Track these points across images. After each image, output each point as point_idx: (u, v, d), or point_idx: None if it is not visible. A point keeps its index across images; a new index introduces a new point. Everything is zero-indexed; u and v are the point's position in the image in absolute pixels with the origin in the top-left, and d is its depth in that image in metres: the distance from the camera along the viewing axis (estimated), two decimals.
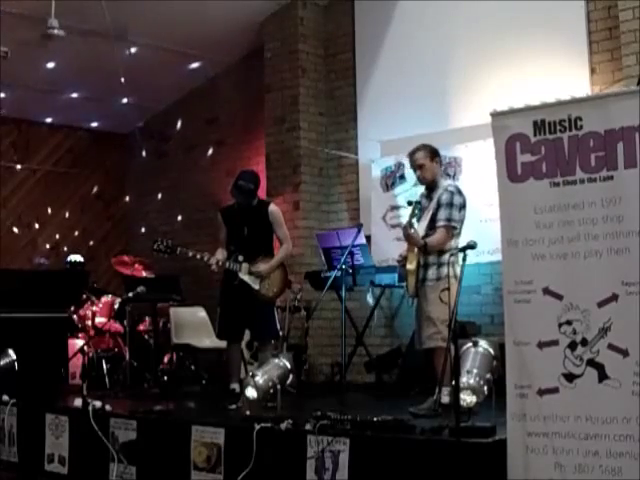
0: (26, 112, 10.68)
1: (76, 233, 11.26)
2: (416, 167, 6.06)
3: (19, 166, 10.85)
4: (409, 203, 5.98)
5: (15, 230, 10.81)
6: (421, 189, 6.25)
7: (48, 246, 10.99)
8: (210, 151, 10.58)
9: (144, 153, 10.94)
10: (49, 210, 11.11)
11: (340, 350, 7.02)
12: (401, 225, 6.47)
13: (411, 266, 5.81)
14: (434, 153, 6.06)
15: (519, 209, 4.19)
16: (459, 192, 5.96)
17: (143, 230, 11.07)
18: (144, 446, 5.61)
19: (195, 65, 10.23)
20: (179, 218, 10.80)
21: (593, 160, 3.96)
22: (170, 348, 8.44)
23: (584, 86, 7.33)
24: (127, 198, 11.49)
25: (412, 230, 5.79)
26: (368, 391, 7.75)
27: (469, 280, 6.32)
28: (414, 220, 5.85)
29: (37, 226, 11.02)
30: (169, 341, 8.42)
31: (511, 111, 4.29)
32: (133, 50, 9.38)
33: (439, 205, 5.89)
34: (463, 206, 5.95)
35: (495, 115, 4.30)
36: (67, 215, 11.27)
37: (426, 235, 5.84)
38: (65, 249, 10.84)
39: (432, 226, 5.89)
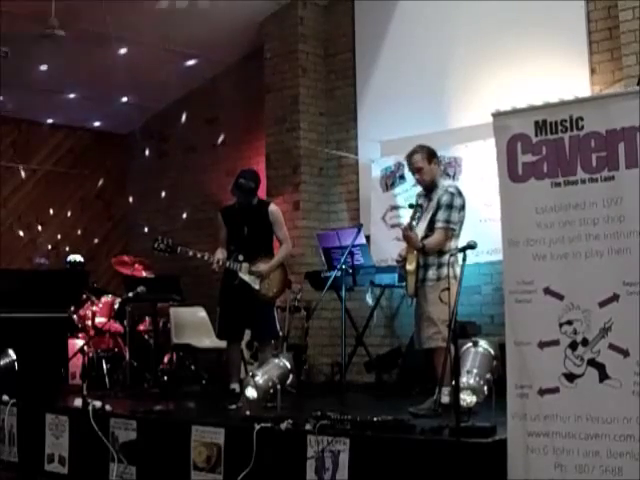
0: (26, 112, 10.67)
1: (76, 233, 11.25)
2: (415, 170, 6.03)
3: (19, 166, 10.84)
4: (410, 206, 5.97)
5: (15, 230, 10.81)
6: (420, 189, 6.24)
7: (50, 246, 10.99)
8: (212, 148, 10.57)
9: (145, 153, 10.94)
10: (49, 210, 11.10)
11: (340, 350, 7.02)
12: (401, 226, 6.47)
13: (411, 267, 5.81)
14: (432, 155, 6.02)
15: (520, 209, 4.19)
16: (459, 194, 5.94)
17: (143, 230, 11.07)
18: (144, 446, 5.60)
19: (195, 65, 10.22)
20: (179, 218, 10.79)
21: (594, 160, 3.96)
22: (170, 348, 8.44)
23: (584, 86, 7.33)
24: (128, 198, 11.48)
25: (412, 232, 5.78)
26: (368, 391, 7.74)
27: (469, 280, 6.32)
28: (414, 223, 5.85)
29: (37, 226, 11.01)
30: (169, 341, 8.42)
31: (513, 111, 4.28)
32: (133, 50, 9.37)
33: (439, 206, 5.87)
34: (462, 207, 5.93)
35: (497, 115, 4.30)
36: (67, 215, 11.27)
37: (425, 236, 5.84)
38: (66, 249, 10.83)
39: (431, 227, 5.87)
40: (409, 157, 6.07)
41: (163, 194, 11.00)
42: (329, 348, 8.85)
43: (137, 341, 8.71)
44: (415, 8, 8.75)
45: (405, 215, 7.30)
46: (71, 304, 8.37)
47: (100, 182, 11.44)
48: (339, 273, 6.96)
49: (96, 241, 11.40)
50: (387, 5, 8.99)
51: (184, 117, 10.57)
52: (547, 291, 4.07)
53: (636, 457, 3.77)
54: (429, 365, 5.84)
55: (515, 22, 7.90)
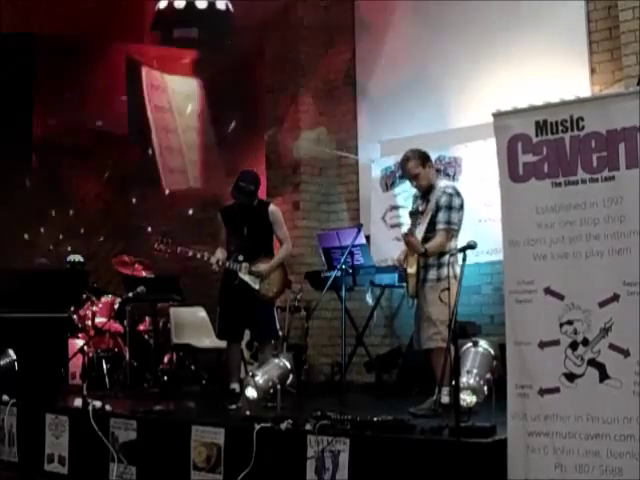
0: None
1: (77, 233, 11.24)
2: (411, 177, 6.02)
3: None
4: (411, 214, 5.97)
5: (16, 230, 10.79)
6: None
7: (50, 246, 10.98)
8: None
9: (147, 152, 10.95)
10: (49, 210, 11.09)
11: (340, 350, 7.01)
12: (402, 231, 6.47)
13: (411, 270, 5.81)
14: (425, 158, 5.99)
15: (521, 209, 4.19)
16: (457, 194, 5.92)
17: (143, 230, 11.06)
18: (144, 446, 5.60)
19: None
20: (179, 218, 10.79)
21: (595, 160, 3.96)
22: (170, 348, 8.44)
23: (584, 86, 7.34)
24: (128, 198, 11.47)
25: (413, 238, 5.78)
26: (368, 391, 7.74)
27: (469, 280, 6.31)
28: (414, 229, 5.84)
29: (38, 226, 11.00)
30: (169, 341, 8.42)
31: (513, 111, 4.28)
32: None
33: (438, 208, 5.85)
34: (461, 207, 5.92)
35: (497, 115, 4.30)
36: (67, 215, 11.26)
37: (425, 237, 5.82)
38: (67, 249, 10.82)
39: (431, 229, 5.86)
40: (403, 165, 6.05)
41: (163, 194, 10.99)
42: (329, 348, 8.85)
43: (137, 341, 8.70)
44: (415, 8, 8.75)
45: (405, 215, 7.29)
46: (71, 304, 8.36)
47: (100, 182, 11.43)
48: (339, 273, 6.95)
49: (95, 241, 11.39)
50: (387, 5, 8.99)
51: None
52: (547, 291, 4.07)
53: (636, 457, 3.77)
54: (428, 365, 5.84)
55: (515, 22, 7.90)
